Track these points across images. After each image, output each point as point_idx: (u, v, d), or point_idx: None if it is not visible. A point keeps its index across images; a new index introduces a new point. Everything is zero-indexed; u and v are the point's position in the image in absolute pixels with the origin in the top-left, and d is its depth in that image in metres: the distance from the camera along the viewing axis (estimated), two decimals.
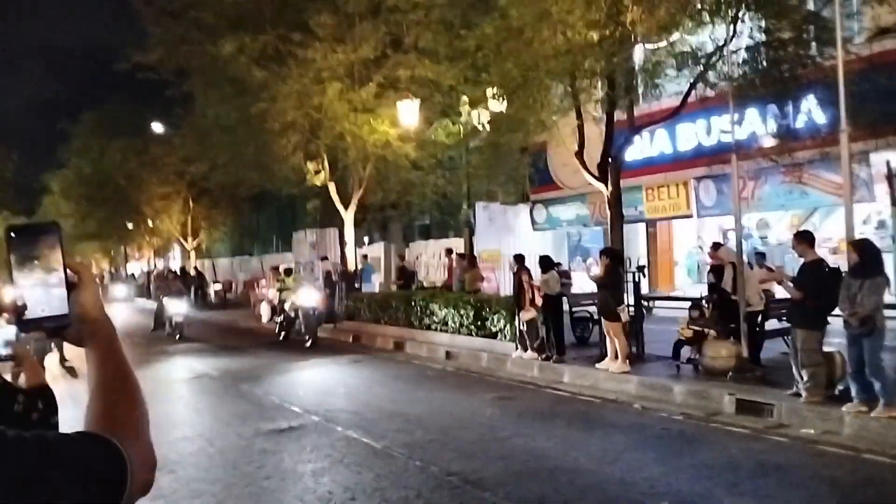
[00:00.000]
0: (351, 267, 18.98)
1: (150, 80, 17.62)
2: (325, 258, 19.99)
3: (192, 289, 29.18)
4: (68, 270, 1.02)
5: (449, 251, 19.65)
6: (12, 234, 1.01)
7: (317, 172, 17.60)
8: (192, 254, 33.72)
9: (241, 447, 6.89)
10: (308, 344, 14.22)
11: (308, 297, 14.95)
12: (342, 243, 19.31)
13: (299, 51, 15.15)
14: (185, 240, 33.00)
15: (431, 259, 22.77)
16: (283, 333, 15.72)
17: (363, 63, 15.73)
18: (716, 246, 10.23)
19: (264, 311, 16.97)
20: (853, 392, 6.67)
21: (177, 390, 10.48)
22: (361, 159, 16.83)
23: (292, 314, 15.20)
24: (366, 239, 27.36)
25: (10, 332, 2.18)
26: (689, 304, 10.00)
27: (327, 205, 19.22)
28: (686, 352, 9.23)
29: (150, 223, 34.33)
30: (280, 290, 16.05)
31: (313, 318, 14.84)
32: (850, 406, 6.60)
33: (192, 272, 31.73)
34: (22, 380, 1.71)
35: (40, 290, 1.00)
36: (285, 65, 15.55)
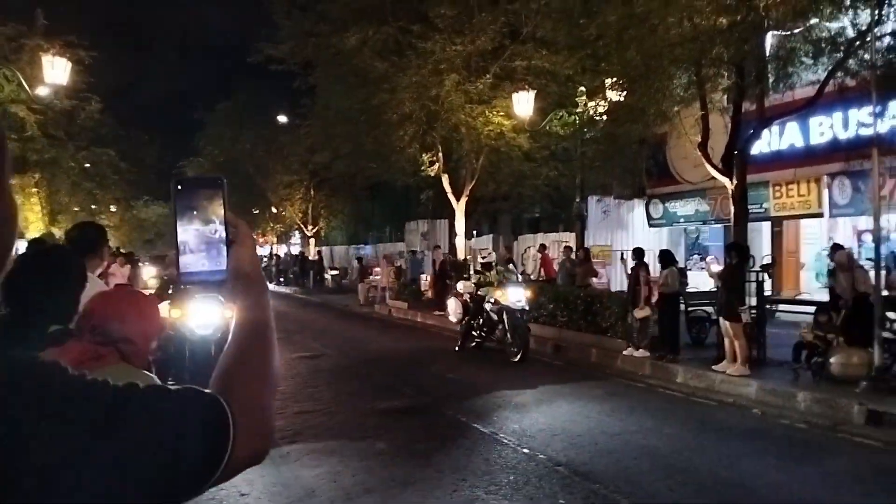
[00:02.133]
0: (461, 257, 19.23)
1: (279, 72, 18.60)
2: (437, 247, 20.36)
3: (311, 273, 30.60)
4: (228, 225, 1.02)
5: (542, 247, 19.51)
6: (179, 187, 1.01)
7: (431, 163, 17.94)
8: (312, 240, 35.24)
9: None
10: (517, 357, 10.78)
11: (517, 294, 11.43)
12: (452, 234, 19.59)
13: (419, 43, 15.47)
14: (306, 227, 34.54)
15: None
16: (470, 342, 12.14)
17: (480, 54, 15.85)
18: (835, 247, 9.60)
19: (453, 308, 13.30)
20: None
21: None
22: (475, 150, 17.00)
23: (494, 316, 11.57)
24: (475, 231, 27.60)
25: None
26: (814, 308, 9.43)
27: (440, 196, 19.57)
28: (805, 357, 8.73)
29: (274, 210, 36.15)
30: (478, 285, 12.25)
31: (524, 324, 11.35)
32: None
33: (314, 257, 33.22)
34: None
35: (202, 243, 1.01)
36: (405, 57, 15.94)
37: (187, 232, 1.01)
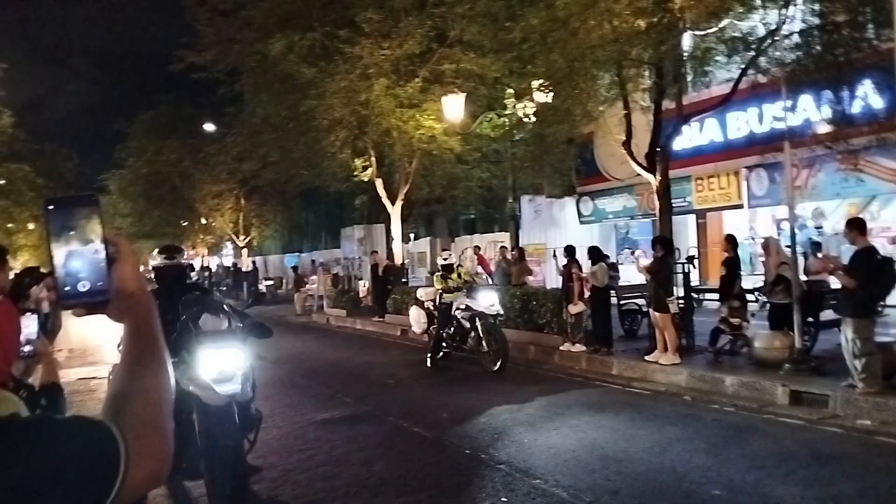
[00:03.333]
0: (398, 261, 19.20)
1: (202, 79, 18.14)
2: (375, 252, 20.27)
3: (246, 285, 29.94)
4: (108, 243, 0.99)
5: (477, 248, 19.74)
6: (50, 207, 0.98)
7: (364, 168, 17.86)
8: (245, 251, 34.53)
9: None
10: (496, 366, 9.95)
11: (489, 298, 10.57)
12: (389, 238, 19.55)
13: (346, 48, 15.38)
14: (238, 237, 33.81)
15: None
16: (440, 353, 11.05)
17: (409, 58, 15.88)
18: (728, 238, 10.09)
19: (416, 317, 12.05)
20: None
21: None
22: (407, 154, 17.02)
23: (466, 324, 10.64)
24: (412, 235, 27.62)
25: (34, 329, 2.30)
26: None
27: (374, 200, 19.50)
28: (724, 341, 9.18)
29: (203, 221, 35.25)
30: (442, 291, 11.11)
31: (500, 330, 10.53)
32: None
33: (248, 268, 32.53)
34: (37, 375, 1.74)
35: (80, 263, 0.97)
36: (333, 62, 15.81)
37: (65, 253, 0.97)
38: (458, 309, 10.73)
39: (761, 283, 10.11)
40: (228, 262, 39.06)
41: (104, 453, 0.85)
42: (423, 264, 24.42)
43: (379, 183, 18.24)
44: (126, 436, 0.87)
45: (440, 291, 11.13)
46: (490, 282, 12.08)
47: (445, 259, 11.51)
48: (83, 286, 0.97)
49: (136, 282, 1.02)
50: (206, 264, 40.75)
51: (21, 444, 0.80)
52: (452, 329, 10.92)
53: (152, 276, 5.28)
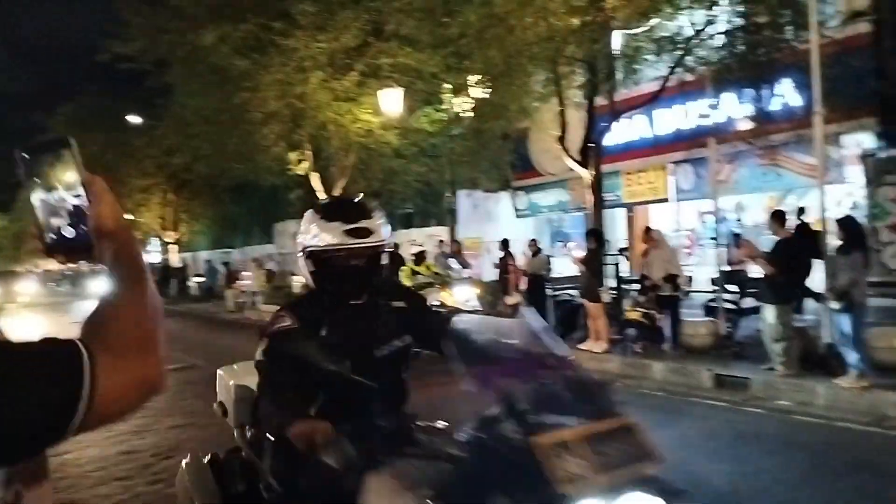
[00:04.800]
0: None
1: (129, 70, 17.49)
2: None
3: (175, 282, 29.13)
4: (85, 185, 0.97)
5: (413, 242, 19.85)
6: (25, 156, 0.95)
7: (300, 162, 17.64)
8: (175, 247, 33.53)
9: None
10: None
11: (466, 293, 10.11)
12: None
13: (281, 40, 15.13)
14: (166, 233, 32.80)
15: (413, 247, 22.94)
16: None
17: (345, 51, 15.75)
18: (647, 230, 10.41)
19: None
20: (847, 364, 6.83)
21: None
22: (344, 148, 16.89)
23: None
24: None
25: None
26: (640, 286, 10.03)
27: (310, 195, 19.28)
28: (632, 333, 9.43)
29: (129, 217, 34.04)
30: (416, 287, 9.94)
31: None
32: (843, 379, 6.78)
33: (176, 265, 31.63)
34: None
35: (60, 209, 0.95)
36: (267, 54, 15.53)
37: (44, 201, 0.95)
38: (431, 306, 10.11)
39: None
40: (156, 259, 37.83)
41: (67, 367, 0.84)
42: None
43: (315, 177, 18.04)
44: (95, 351, 0.86)
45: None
46: (463, 275, 11.50)
47: (420, 246, 11.00)
48: (67, 233, 0.96)
49: (115, 220, 1.00)
50: None
51: None
52: None
53: None
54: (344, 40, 15.26)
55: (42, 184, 0.95)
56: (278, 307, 2.44)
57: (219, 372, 3.39)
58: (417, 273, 10.26)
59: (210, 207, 32.87)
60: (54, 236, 0.96)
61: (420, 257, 10.52)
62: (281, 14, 15.14)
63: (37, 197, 0.95)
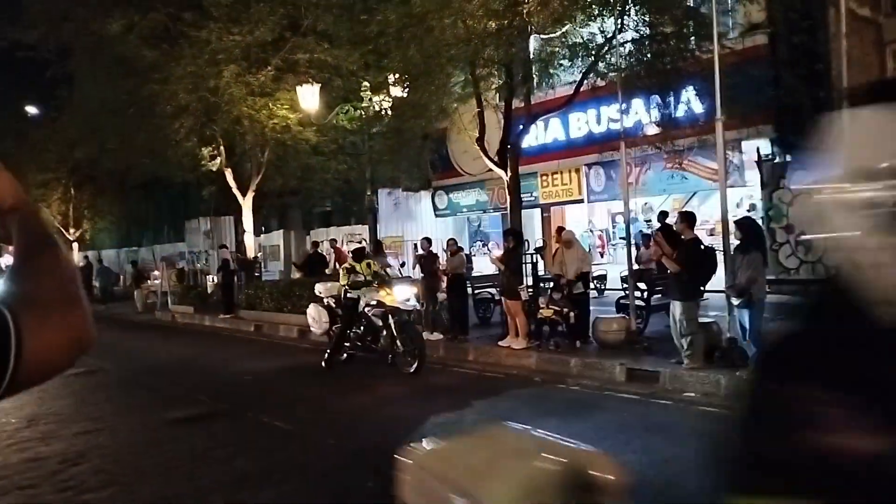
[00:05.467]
0: (250, 255, 18.61)
1: (29, 59, 16.46)
2: (223, 246, 19.49)
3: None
4: None
5: (333, 241, 19.68)
6: None
7: (212, 158, 17.11)
8: (76, 245, 31.77)
9: None
10: (413, 368, 8.96)
11: (405, 292, 9.62)
12: (240, 231, 18.87)
13: (192, 31, 14.64)
14: (67, 230, 31.04)
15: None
16: (341, 354, 9.90)
17: (260, 45, 15.40)
18: (559, 230, 10.75)
19: (315, 316, 10.57)
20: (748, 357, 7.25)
21: None
22: (259, 144, 16.52)
23: (378, 321, 9.48)
24: (262, 228, 26.80)
25: None
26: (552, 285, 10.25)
27: (223, 192, 18.73)
28: (548, 331, 9.68)
29: None
30: (350, 286, 9.72)
31: (415, 326, 9.76)
32: (744, 371, 7.19)
33: (81, 263, 29.93)
34: None
35: None
36: (177, 45, 14.99)
37: None
38: (367, 305, 9.57)
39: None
40: None
41: None
42: (277, 258, 23.80)
43: (229, 173, 17.54)
44: (18, 311, 0.85)
45: (345, 287, 9.81)
46: (401, 274, 11.03)
47: (360, 242, 10.51)
48: None
49: (14, 195, 0.99)
50: None
51: None
52: (362, 328, 9.74)
53: None
54: (259, 34, 14.94)
55: None
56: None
57: None
58: (356, 272, 9.66)
59: (116, 204, 31.29)
60: None
61: (360, 255, 9.88)
62: (192, 4, 14.65)
63: None
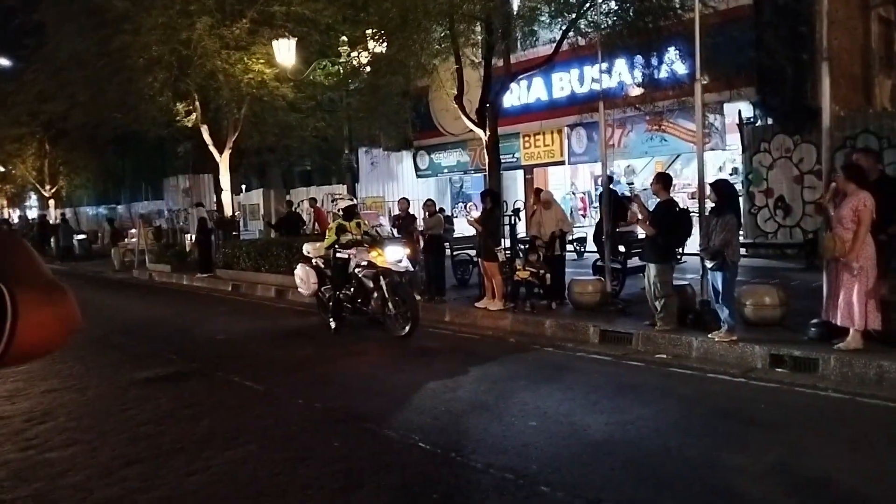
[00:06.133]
0: (228, 213, 18.37)
1: None
2: (199, 204, 19.23)
3: (54, 239, 27.17)
4: None
5: (313, 200, 19.45)
6: None
7: (188, 113, 16.72)
8: (52, 202, 31.24)
9: None
10: (405, 331, 8.66)
11: (396, 253, 9.10)
12: (218, 189, 18.59)
13: None
14: (43, 187, 30.47)
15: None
16: (339, 315, 9.50)
17: None
18: (537, 191, 10.63)
19: (303, 276, 10.16)
20: (721, 320, 7.23)
21: None
22: (235, 100, 16.14)
23: (369, 283, 9.10)
24: (243, 187, 26.46)
25: None
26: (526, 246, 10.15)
27: (201, 149, 18.37)
28: (525, 293, 9.60)
29: (0, 168, 31.34)
30: (338, 246, 9.39)
31: (408, 288, 9.38)
32: (716, 334, 7.15)
33: (56, 221, 29.48)
34: None
35: None
36: None
37: None
38: (357, 266, 9.21)
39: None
40: (34, 214, 35.19)
41: None
42: (256, 217, 23.56)
43: (204, 129, 17.17)
44: (11, 286, 0.83)
45: (334, 246, 9.41)
46: (394, 234, 10.38)
47: (350, 200, 9.96)
48: None
49: None
50: (7, 217, 36.44)
51: None
52: (352, 290, 9.34)
53: None
54: None
55: None
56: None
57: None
58: (346, 231, 9.29)
59: (92, 160, 30.69)
60: None
61: (349, 213, 9.43)
62: None
63: None
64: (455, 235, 14.32)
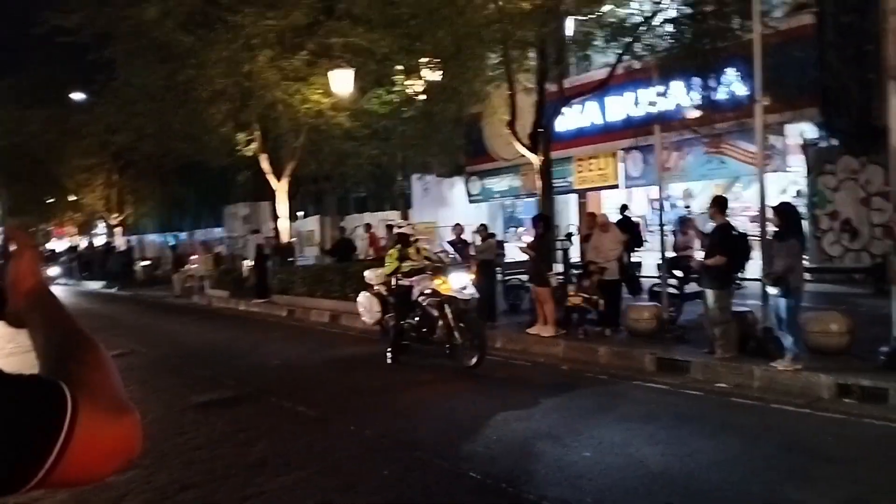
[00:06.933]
0: (284, 240, 18.75)
1: (69, 44, 16.75)
2: (256, 231, 19.69)
3: (121, 266, 28.26)
4: (4, 237, 0.92)
5: (368, 226, 19.68)
6: None
7: (248, 143, 17.23)
8: (119, 230, 32.53)
9: None
10: (473, 361, 8.25)
11: (461, 280, 8.87)
12: (275, 216, 19.02)
13: (228, 16, 14.67)
14: (110, 215, 31.78)
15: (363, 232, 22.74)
16: (399, 346, 9.14)
17: (295, 30, 15.37)
18: (590, 215, 10.45)
19: (366, 305, 9.94)
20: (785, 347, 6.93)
21: None
22: (294, 129, 16.55)
23: (434, 311, 8.74)
24: (300, 213, 27.00)
25: None
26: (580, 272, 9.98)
27: (260, 177, 18.88)
28: (577, 318, 9.40)
29: (72, 198, 32.88)
30: (397, 273, 9.08)
31: (475, 316, 8.94)
32: (779, 362, 6.87)
33: (122, 248, 30.69)
34: None
35: None
36: (214, 30, 15.05)
37: None
38: (421, 294, 8.92)
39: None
40: (100, 241, 36.71)
41: (43, 407, 0.71)
42: (312, 243, 23.98)
43: (264, 158, 17.65)
44: (73, 391, 0.73)
45: (395, 273, 9.11)
46: (458, 259, 10.14)
47: (401, 227, 9.65)
48: None
49: (34, 277, 0.92)
50: (76, 244, 38.11)
51: None
52: (416, 318, 8.95)
53: None
54: (294, 18, 14.89)
55: None
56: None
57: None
58: (407, 257, 8.99)
59: (157, 189, 31.92)
60: None
61: (407, 239, 9.10)
62: None
63: None
64: (507, 260, 14.24)
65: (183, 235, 34.24)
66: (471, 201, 21.23)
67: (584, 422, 5.97)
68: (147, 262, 29.30)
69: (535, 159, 11.28)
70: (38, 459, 0.70)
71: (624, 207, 10.05)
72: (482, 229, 11.24)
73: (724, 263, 7.44)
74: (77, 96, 26.86)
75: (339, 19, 15.21)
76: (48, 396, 0.72)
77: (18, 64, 29.58)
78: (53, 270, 33.24)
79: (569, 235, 11.40)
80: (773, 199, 8.35)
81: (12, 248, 0.91)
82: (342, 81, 14.33)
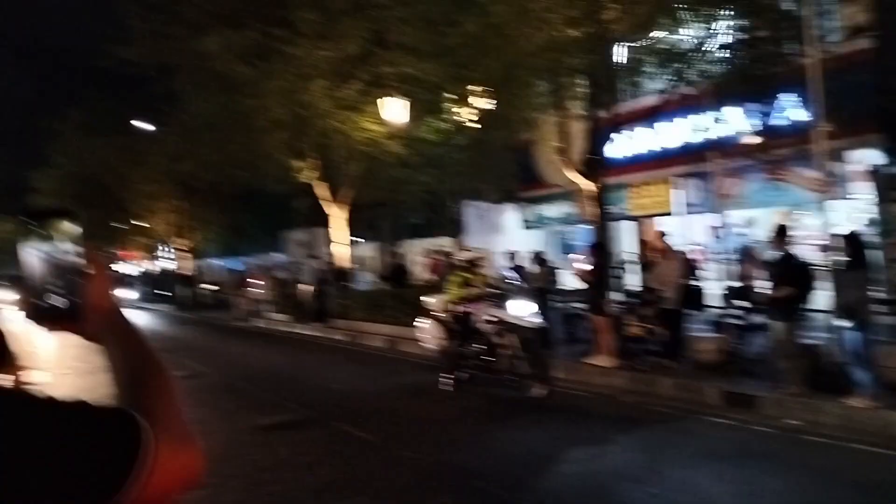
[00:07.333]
0: (342, 265, 19.05)
1: (133, 76, 17.53)
2: (314, 256, 20.06)
3: (189, 289, 29.20)
4: (81, 259, 0.98)
5: (427, 251, 19.83)
6: (26, 220, 0.98)
7: (305, 170, 17.67)
8: (189, 254, 33.66)
9: None
10: (536, 392, 8.15)
11: (525, 307, 8.66)
12: (332, 242, 19.38)
13: (283, 47, 15.14)
14: (177, 240, 32.88)
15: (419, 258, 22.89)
16: (453, 374, 9.07)
17: (348, 60, 15.74)
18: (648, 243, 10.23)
19: (430, 332, 9.80)
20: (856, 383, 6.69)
21: None
22: (348, 157, 16.89)
23: (497, 339, 8.63)
24: (358, 239, 27.37)
25: None
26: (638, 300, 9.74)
27: (317, 203, 19.30)
28: (634, 348, 9.20)
29: (138, 223, 34.16)
30: (463, 299, 9.04)
31: (539, 345, 8.64)
32: (853, 398, 6.61)
33: (189, 273, 31.71)
34: None
35: (53, 277, 0.95)
36: (270, 61, 15.54)
37: (37, 266, 0.95)
38: (484, 320, 8.76)
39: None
40: (168, 265, 37.95)
41: (124, 441, 0.79)
42: (368, 268, 24.29)
43: (320, 185, 18.06)
44: (156, 431, 0.81)
45: (458, 299, 9.02)
46: (524, 286, 10.01)
47: (478, 251, 9.65)
48: (58, 302, 0.95)
49: (108, 298, 0.99)
50: (144, 268, 39.48)
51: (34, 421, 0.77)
52: (479, 346, 8.82)
53: None
54: (346, 48, 15.26)
55: (38, 250, 0.95)
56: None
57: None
58: (469, 283, 8.86)
59: (219, 215, 32.91)
60: (45, 304, 0.95)
61: (473, 265, 9.01)
62: (283, 21, 15.15)
63: (32, 261, 0.95)
64: (561, 288, 14.12)
65: (245, 260, 35.08)
66: (525, 228, 21.20)
67: (649, 457, 5.85)
68: (213, 287, 30.17)
69: (589, 186, 11.22)
70: (123, 491, 0.77)
71: (662, 234, 9.85)
72: (537, 256, 11.20)
73: (791, 294, 7.24)
74: (143, 126, 28.03)
75: (390, 49, 15.52)
76: (131, 430, 0.80)
77: (84, 94, 31.02)
78: (126, 293, 34.63)
79: (623, 262, 11.24)
80: (841, 228, 8.10)
81: (90, 270, 0.98)
82: (394, 110, 14.57)
